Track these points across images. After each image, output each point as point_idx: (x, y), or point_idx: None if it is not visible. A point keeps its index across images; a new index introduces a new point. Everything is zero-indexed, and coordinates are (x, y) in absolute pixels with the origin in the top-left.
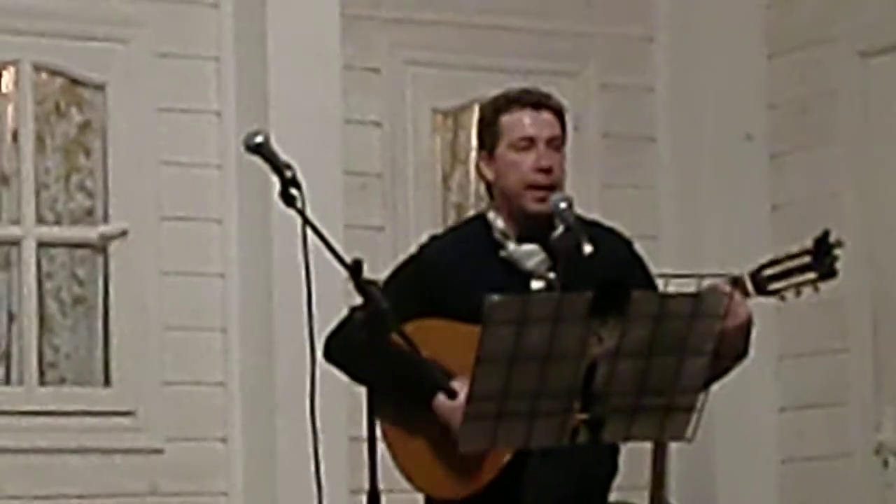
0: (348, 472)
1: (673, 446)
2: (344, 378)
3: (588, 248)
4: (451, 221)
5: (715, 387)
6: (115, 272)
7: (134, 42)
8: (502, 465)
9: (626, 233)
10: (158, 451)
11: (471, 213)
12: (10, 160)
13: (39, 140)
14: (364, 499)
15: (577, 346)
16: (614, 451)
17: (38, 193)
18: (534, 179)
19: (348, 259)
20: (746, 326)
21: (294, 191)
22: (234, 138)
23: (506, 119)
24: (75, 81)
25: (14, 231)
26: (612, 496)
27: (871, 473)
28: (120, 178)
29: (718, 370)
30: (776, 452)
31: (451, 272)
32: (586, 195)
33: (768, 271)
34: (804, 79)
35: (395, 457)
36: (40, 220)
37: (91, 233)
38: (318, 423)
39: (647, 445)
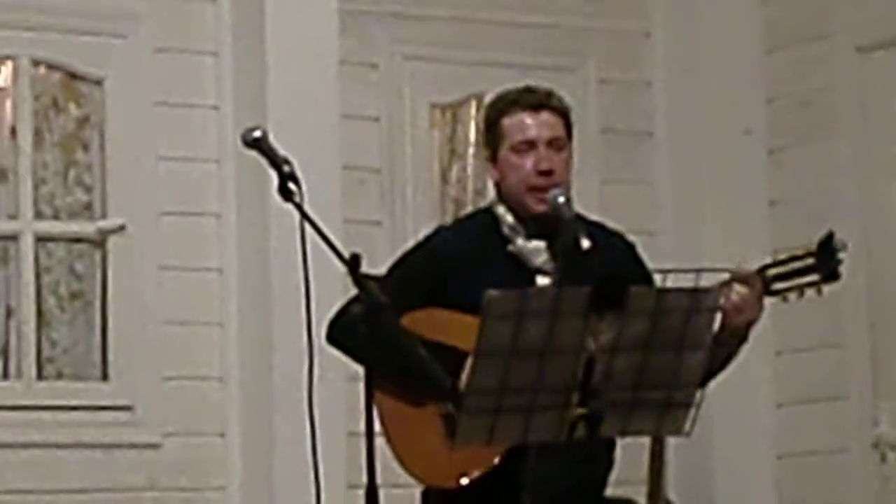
0: (346, 467)
1: (671, 441)
2: (342, 374)
3: (586, 243)
4: (449, 216)
5: (712, 382)
6: (113, 267)
7: (132, 37)
8: (498, 454)
9: (625, 229)
10: (156, 446)
11: (469, 207)
12: (7, 155)
13: (37, 135)
14: (362, 494)
15: (576, 341)
16: (611, 445)
17: (36, 188)
18: (534, 182)
19: (346, 254)
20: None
21: (292, 185)
22: (232, 133)
23: (506, 122)
24: (73, 76)
25: (12, 226)
26: (610, 491)
27: (869, 468)
28: (118, 172)
29: (721, 358)
30: (774, 447)
31: (459, 264)
32: (585, 190)
33: (772, 271)
34: (802, 74)
35: (390, 440)
36: (38, 214)
37: (89, 227)
38: (317, 418)
39: (645, 440)
